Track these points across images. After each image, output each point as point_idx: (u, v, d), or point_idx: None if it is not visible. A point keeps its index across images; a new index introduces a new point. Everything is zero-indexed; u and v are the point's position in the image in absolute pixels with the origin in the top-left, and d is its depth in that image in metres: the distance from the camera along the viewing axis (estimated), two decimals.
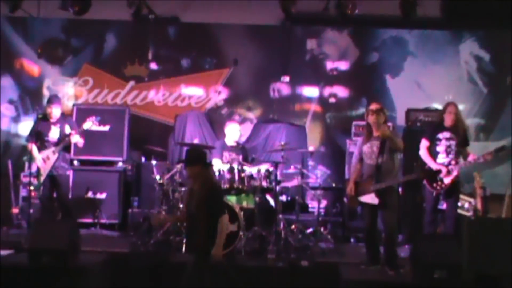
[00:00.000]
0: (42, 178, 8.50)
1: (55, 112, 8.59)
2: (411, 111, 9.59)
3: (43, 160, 8.50)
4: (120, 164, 9.86)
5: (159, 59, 11.07)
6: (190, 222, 5.96)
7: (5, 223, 9.36)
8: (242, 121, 10.67)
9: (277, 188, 8.28)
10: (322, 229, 8.59)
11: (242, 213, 7.86)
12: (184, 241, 6.07)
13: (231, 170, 8.21)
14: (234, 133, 9.02)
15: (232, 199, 8.28)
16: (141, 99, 10.95)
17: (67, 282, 6.58)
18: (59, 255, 6.65)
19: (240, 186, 8.19)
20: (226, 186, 8.16)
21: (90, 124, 8.64)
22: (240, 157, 8.79)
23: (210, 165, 6.36)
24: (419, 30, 10.58)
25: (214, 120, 10.56)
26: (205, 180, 5.94)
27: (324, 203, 9.20)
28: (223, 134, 9.20)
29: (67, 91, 10.98)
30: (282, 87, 10.89)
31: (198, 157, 6.02)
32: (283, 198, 8.85)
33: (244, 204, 8.44)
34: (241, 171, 8.22)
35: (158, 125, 10.89)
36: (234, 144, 9.01)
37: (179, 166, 8.53)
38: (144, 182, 9.68)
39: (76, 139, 8.60)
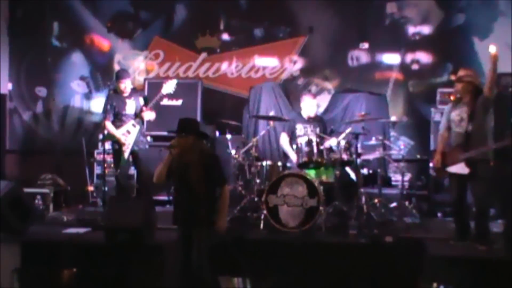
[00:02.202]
0: (126, 155, 8.51)
1: (128, 86, 8.66)
2: (502, 75, 9.28)
3: (124, 135, 8.51)
4: None
5: (231, 29, 11.11)
6: (187, 196, 5.93)
7: (80, 201, 9.72)
8: (319, 91, 10.61)
9: (358, 160, 8.21)
10: (406, 203, 8.50)
11: (321, 187, 7.83)
12: (176, 215, 6.06)
13: (309, 142, 8.18)
14: (310, 107, 8.96)
15: (311, 173, 8.25)
16: (213, 71, 11.03)
17: (143, 259, 6.76)
18: (135, 233, 6.82)
19: (319, 160, 8.15)
20: (304, 159, 8.15)
21: (170, 87, 8.58)
22: (318, 129, 8.75)
23: (204, 135, 6.29)
24: None
25: (290, 91, 10.55)
26: (201, 150, 5.97)
27: (408, 176, 9.07)
28: (300, 106, 9.17)
29: (137, 65, 11.20)
30: (360, 54, 10.74)
31: (191, 127, 6.01)
32: (364, 171, 8.76)
33: (324, 178, 8.40)
34: (319, 143, 8.19)
35: (231, 98, 10.97)
36: (311, 116, 8.95)
37: (255, 139, 8.61)
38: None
39: (148, 116, 8.64)
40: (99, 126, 9.42)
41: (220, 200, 5.97)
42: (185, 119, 6.11)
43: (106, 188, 8.64)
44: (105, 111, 8.63)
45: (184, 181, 5.95)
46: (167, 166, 6.01)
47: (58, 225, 8.12)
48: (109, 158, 9.13)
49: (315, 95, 9.34)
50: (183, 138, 5.94)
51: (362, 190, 8.15)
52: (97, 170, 10.11)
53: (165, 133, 9.86)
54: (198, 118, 9.96)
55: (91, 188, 9.93)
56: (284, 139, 8.92)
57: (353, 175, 8.45)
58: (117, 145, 8.58)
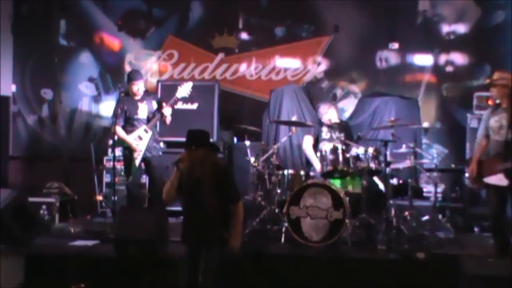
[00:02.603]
0: (137, 162, 8.54)
1: (141, 88, 8.67)
2: None
3: (135, 141, 8.52)
4: None
5: (250, 28, 11.14)
6: (197, 213, 5.87)
7: (89, 212, 9.77)
8: (345, 95, 10.60)
9: (387, 170, 8.19)
10: (439, 217, 8.44)
11: (347, 198, 7.82)
12: (186, 234, 6.03)
13: (334, 150, 8.18)
14: (326, 115, 9.01)
15: (336, 183, 8.26)
16: (231, 73, 11.06)
17: (156, 274, 6.79)
18: (147, 246, 6.85)
19: (345, 168, 8.16)
20: (329, 168, 8.16)
21: (185, 90, 8.62)
22: (342, 136, 8.75)
23: (215, 147, 6.32)
24: None
25: (314, 94, 10.50)
26: (212, 164, 5.94)
27: (441, 186, 9.04)
28: None
29: (150, 66, 11.25)
30: (390, 55, 10.72)
31: (201, 139, 5.98)
32: (394, 181, 8.74)
33: (350, 188, 8.42)
34: (345, 151, 8.18)
35: (251, 101, 11.00)
36: (335, 121, 8.96)
37: (276, 146, 8.64)
38: (237, 165, 9.78)
39: (168, 111, 8.59)
40: (109, 131, 9.43)
41: (234, 218, 5.93)
42: (194, 131, 6.11)
43: (116, 198, 8.61)
44: (115, 115, 8.59)
45: (194, 198, 5.92)
46: (176, 183, 5.97)
47: (65, 237, 8.17)
48: (119, 166, 9.17)
49: (330, 105, 9.25)
50: (193, 152, 5.92)
51: (391, 201, 8.12)
52: (107, 178, 10.20)
53: (179, 139, 9.91)
54: (215, 123, 10.04)
55: (100, 198, 9.99)
56: (307, 142, 8.93)
57: (381, 186, 8.42)
58: (128, 151, 8.60)
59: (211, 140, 6.26)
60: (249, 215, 8.18)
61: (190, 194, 5.95)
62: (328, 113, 8.98)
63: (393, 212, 8.00)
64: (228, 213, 5.96)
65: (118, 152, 8.92)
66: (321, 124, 9.03)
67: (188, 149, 5.94)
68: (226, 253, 5.89)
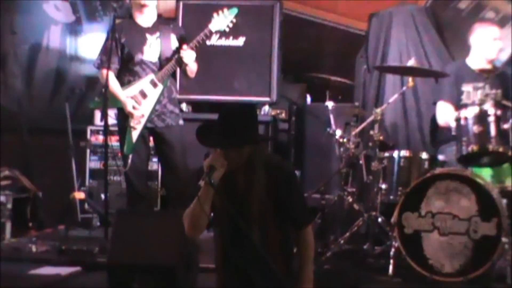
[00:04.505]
0: (135, 135, 8.54)
1: None
2: None
3: (134, 99, 8.56)
4: (266, 108, 10.04)
5: None
6: (245, 250, 5.68)
7: (62, 218, 9.91)
8: (500, 22, 10.40)
9: None
10: None
11: (504, 201, 7.76)
12: (226, 284, 5.89)
13: (481, 117, 8.04)
14: (488, 46, 8.89)
15: (485, 174, 8.19)
16: None
17: None
18: (163, 276, 6.83)
19: (501, 149, 7.99)
20: (472, 148, 8.00)
21: (225, 20, 8.63)
22: (498, 93, 8.59)
23: (269, 137, 6.08)
24: None
25: (446, 21, 10.53)
26: (267, 167, 5.67)
27: None
28: (465, 49, 9.08)
29: None
30: None
31: (245, 127, 5.64)
32: None
33: (508, 183, 8.31)
34: (501, 118, 8.03)
35: (335, 33, 11.09)
36: (486, 67, 8.82)
37: (379, 111, 8.59)
38: (312, 142, 9.87)
39: (190, 56, 8.53)
40: (96, 82, 9.41)
41: (302, 252, 5.78)
42: (232, 110, 5.85)
43: (109, 195, 8.67)
44: (103, 51, 8.63)
45: (237, 229, 5.65)
46: (209, 204, 5.66)
47: (23, 261, 8.23)
48: (114, 141, 9.21)
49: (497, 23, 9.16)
50: (233, 150, 5.62)
51: None
52: (93, 162, 10.32)
53: (214, 98, 9.93)
54: (274, 71, 10.08)
55: (81, 195, 10.06)
56: (443, 112, 8.77)
57: None
58: (122, 116, 8.63)
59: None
60: (333, 227, 8.19)
61: (230, 221, 5.71)
62: (492, 37, 8.88)
63: None
64: (291, 246, 5.86)
65: (113, 118, 8.91)
66: (465, 65, 8.93)
67: (224, 146, 5.63)
68: None
